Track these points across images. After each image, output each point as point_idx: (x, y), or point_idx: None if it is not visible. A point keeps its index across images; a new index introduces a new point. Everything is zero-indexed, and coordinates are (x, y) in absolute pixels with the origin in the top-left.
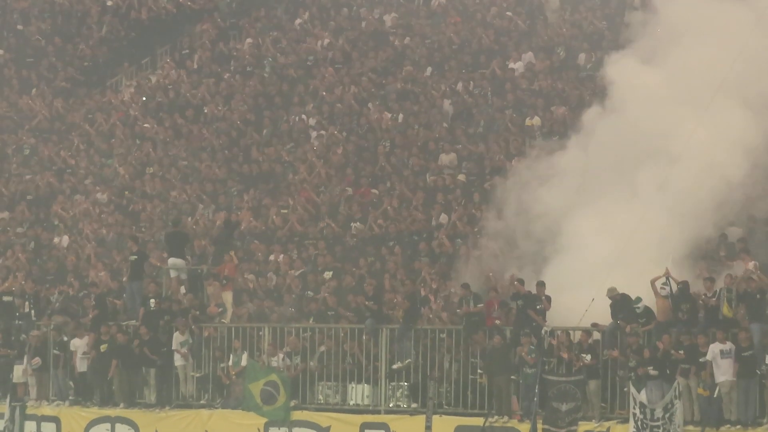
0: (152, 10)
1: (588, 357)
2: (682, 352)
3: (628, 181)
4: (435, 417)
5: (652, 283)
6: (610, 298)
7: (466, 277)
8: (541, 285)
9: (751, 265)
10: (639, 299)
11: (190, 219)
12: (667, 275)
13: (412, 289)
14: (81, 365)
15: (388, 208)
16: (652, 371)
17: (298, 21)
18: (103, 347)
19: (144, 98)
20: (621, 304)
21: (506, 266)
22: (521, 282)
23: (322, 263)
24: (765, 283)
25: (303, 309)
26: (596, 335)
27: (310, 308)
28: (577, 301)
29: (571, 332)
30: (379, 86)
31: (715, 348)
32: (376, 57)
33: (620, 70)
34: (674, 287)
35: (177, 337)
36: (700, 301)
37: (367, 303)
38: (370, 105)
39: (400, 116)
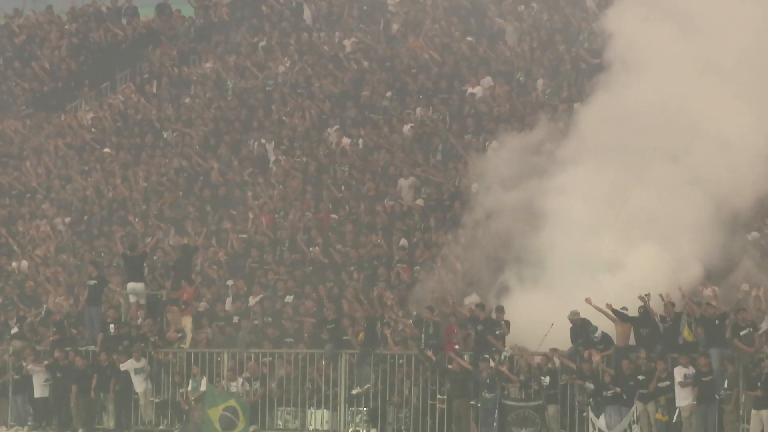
0: (112, 35)
1: (547, 380)
2: (642, 378)
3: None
4: None
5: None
6: (571, 321)
7: (426, 301)
8: (500, 310)
9: (710, 290)
10: (596, 329)
11: (148, 243)
12: (645, 300)
13: (372, 314)
14: (39, 390)
15: (347, 233)
16: (611, 392)
17: (259, 45)
18: (59, 373)
19: (103, 122)
20: (581, 329)
21: (466, 291)
22: (481, 307)
23: (282, 288)
24: (724, 309)
25: (263, 334)
26: (556, 360)
27: (269, 333)
28: (537, 325)
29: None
30: (338, 111)
31: (678, 372)
32: (336, 81)
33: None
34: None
35: (132, 363)
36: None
37: (327, 328)
38: (329, 130)
39: (360, 141)
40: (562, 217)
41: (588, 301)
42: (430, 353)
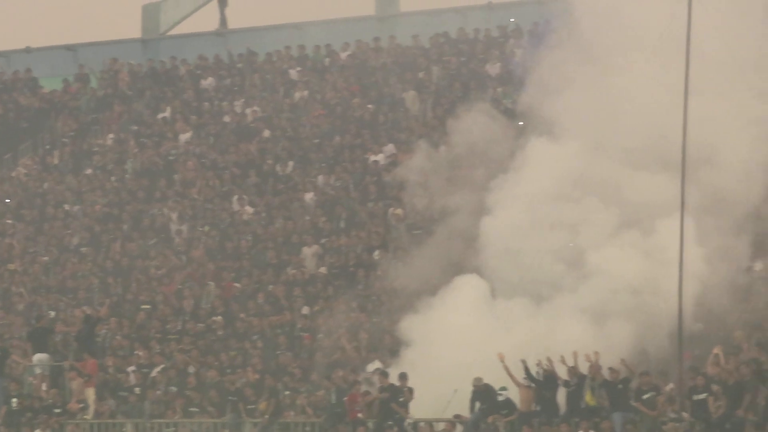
0: (14, 106)
1: None
2: None
3: None
4: None
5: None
6: (474, 387)
7: (328, 370)
8: (403, 377)
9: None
10: (504, 388)
11: (53, 314)
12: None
13: (275, 383)
14: None
15: (250, 302)
16: None
17: (160, 115)
18: None
19: (6, 197)
20: (483, 394)
21: (368, 359)
22: (384, 375)
23: (184, 360)
24: (628, 373)
25: (167, 404)
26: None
27: (175, 403)
28: (441, 392)
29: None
30: (240, 180)
31: None
32: (238, 151)
33: None
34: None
35: None
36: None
37: (229, 398)
38: (232, 199)
39: (263, 210)
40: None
41: (500, 357)
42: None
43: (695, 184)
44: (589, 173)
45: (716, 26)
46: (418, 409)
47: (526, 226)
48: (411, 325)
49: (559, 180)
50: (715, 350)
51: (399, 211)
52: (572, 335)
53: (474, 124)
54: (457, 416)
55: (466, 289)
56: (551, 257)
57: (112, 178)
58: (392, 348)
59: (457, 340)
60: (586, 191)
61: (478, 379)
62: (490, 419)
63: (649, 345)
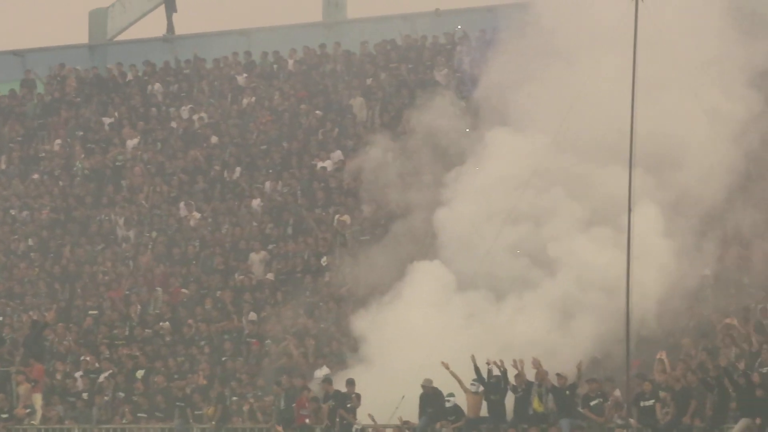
0: None
1: None
2: None
3: None
4: None
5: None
6: (423, 388)
7: (276, 375)
8: (350, 383)
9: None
10: (451, 394)
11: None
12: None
13: (222, 389)
14: None
15: (198, 307)
16: None
17: (107, 121)
18: None
19: None
20: (431, 398)
21: (316, 364)
22: (329, 381)
23: (132, 364)
24: (575, 380)
25: (115, 409)
26: None
27: (122, 409)
28: (392, 395)
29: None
30: (188, 186)
31: None
32: (185, 157)
33: None
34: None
35: None
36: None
37: (177, 403)
38: (179, 204)
39: (210, 216)
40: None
41: (444, 365)
42: (279, 428)
43: (659, 180)
44: (547, 166)
45: (678, 22)
46: (374, 411)
47: (482, 218)
48: (363, 325)
49: (517, 171)
50: (659, 355)
51: (345, 217)
52: (532, 331)
53: (424, 124)
54: (405, 422)
55: (424, 280)
56: (509, 250)
57: (60, 183)
58: (340, 353)
59: (411, 339)
60: (546, 183)
61: (427, 381)
62: (438, 425)
63: (608, 346)
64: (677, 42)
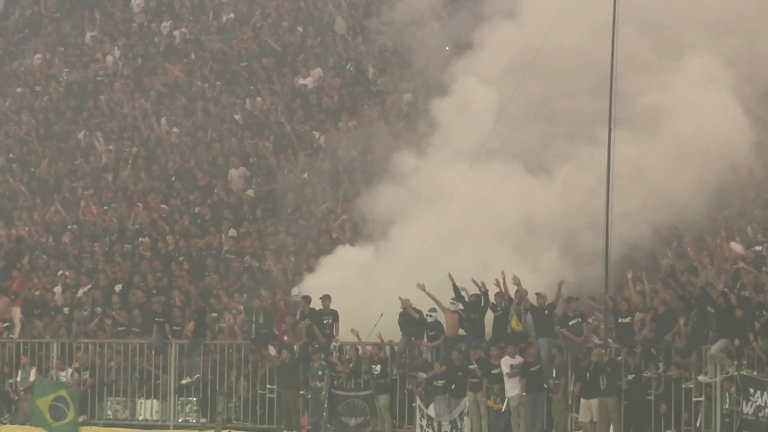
0: None
1: (378, 368)
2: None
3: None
4: None
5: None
6: (403, 307)
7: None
8: (326, 298)
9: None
10: (433, 309)
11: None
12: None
13: (201, 305)
14: None
15: (177, 223)
16: (439, 383)
17: (88, 35)
18: None
19: None
20: (410, 316)
21: (295, 281)
22: (307, 300)
23: (108, 279)
24: (554, 299)
25: (92, 324)
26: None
27: (99, 323)
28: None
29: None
30: (168, 101)
31: (505, 363)
32: (165, 72)
33: None
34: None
35: None
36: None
37: (155, 319)
38: (160, 120)
39: (189, 131)
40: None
41: (420, 286)
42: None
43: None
44: None
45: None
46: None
47: None
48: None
49: None
50: (629, 274)
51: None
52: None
53: None
54: (383, 341)
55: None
56: None
57: (45, 98)
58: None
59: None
60: None
61: (406, 301)
62: (416, 342)
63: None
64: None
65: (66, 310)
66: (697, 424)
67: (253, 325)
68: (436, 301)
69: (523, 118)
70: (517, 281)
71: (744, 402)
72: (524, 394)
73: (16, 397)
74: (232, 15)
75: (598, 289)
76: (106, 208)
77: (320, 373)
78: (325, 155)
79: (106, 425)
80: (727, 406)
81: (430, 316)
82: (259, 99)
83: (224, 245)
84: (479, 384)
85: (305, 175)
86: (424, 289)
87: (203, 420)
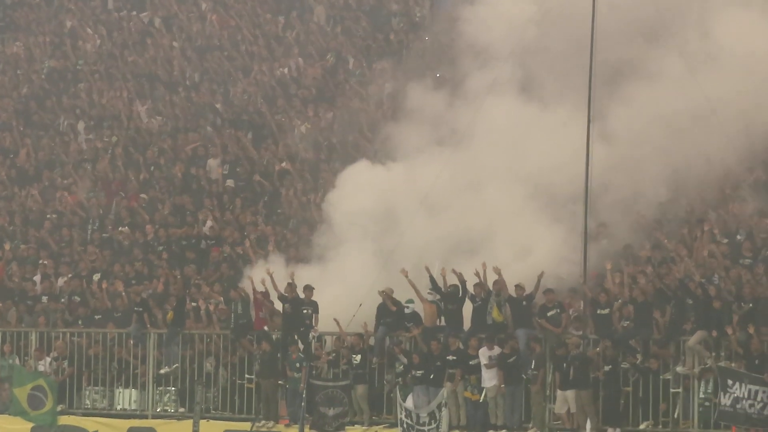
0: None
1: (358, 358)
2: (452, 358)
3: None
4: (202, 422)
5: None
6: (382, 297)
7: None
8: (308, 289)
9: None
10: (411, 301)
11: None
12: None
13: (180, 294)
14: None
15: (157, 212)
16: (417, 373)
17: (68, 23)
18: None
19: None
20: (388, 308)
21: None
22: (291, 288)
23: (88, 268)
24: (532, 290)
25: (71, 313)
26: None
27: (78, 312)
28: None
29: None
30: (148, 90)
31: (483, 354)
32: (146, 61)
33: None
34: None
35: None
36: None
37: (134, 308)
38: (139, 108)
39: (169, 121)
40: None
41: (403, 272)
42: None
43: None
44: None
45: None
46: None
47: None
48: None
49: None
50: (608, 266)
51: (306, 125)
52: None
53: None
54: (367, 331)
55: None
56: None
57: (21, 87)
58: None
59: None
60: None
61: (389, 290)
62: (394, 333)
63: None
64: None
65: (45, 299)
66: (675, 416)
67: (233, 315)
68: (416, 290)
69: None
70: (497, 270)
71: (722, 393)
72: (502, 385)
73: None
74: (210, 2)
75: (577, 280)
76: (85, 197)
77: (297, 365)
78: (306, 144)
79: (84, 414)
80: (701, 396)
81: (408, 307)
82: (239, 87)
83: (203, 234)
84: (456, 374)
85: (284, 164)
86: (406, 276)
87: (182, 410)
